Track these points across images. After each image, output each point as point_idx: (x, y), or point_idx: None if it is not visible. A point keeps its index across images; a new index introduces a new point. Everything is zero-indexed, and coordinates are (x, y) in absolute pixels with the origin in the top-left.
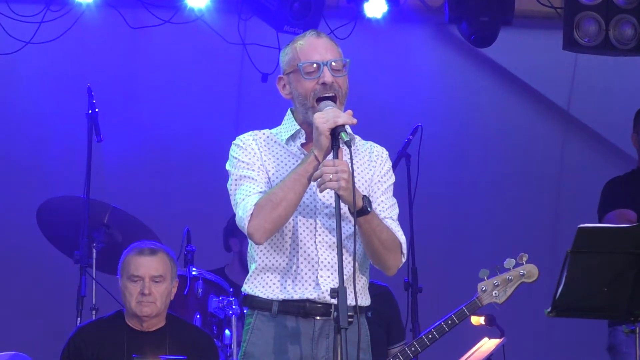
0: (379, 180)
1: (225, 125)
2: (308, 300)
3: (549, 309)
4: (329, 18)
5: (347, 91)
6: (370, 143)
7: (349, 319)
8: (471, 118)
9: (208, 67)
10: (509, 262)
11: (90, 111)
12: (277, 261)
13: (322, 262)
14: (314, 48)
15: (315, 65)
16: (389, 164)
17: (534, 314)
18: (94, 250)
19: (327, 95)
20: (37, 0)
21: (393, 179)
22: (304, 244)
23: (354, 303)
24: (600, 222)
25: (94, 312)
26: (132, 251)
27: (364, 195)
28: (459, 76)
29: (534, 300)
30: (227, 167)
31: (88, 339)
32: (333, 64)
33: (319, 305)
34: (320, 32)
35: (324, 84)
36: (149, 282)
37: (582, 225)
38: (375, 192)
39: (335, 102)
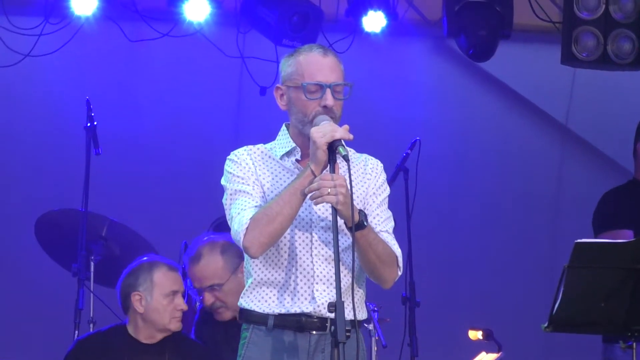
0: (374, 193)
1: (224, 138)
2: (304, 314)
3: (545, 324)
4: (328, 32)
5: (341, 114)
6: (364, 155)
7: (347, 333)
8: (469, 132)
9: (207, 80)
10: None
11: (88, 124)
12: (272, 275)
13: (317, 275)
14: (319, 68)
15: (318, 86)
16: (383, 176)
17: (531, 328)
18: (92, 263)
19: None
20: (36, 13)
21: (388, 191)
22: (300, 258)
23: (350, 317)
24: (595, 236)
25: (91, 325)
26: (161, 266)
27: (360, 210)
28: (458, 90)
29: (531, 314)
30: (222, 182)
31: (87, 352)
32: (336, 86)
33: (315, 320)
34: (328, 50)
35: (325, 106)
36: (181, 298)
37: (579, 241)
38: (370, 205)
39: None
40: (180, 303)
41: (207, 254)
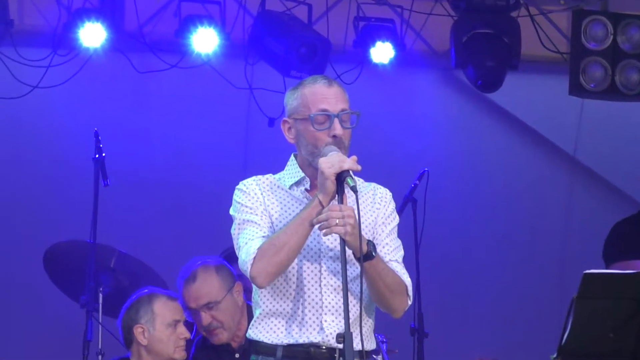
0: (383, 222)
1: (232, 169)
2: (312, 344)
3: (554, 355)
4: (336, 63)
5: (350, 143)
6: (373, 184)
7: None
8: (477, 163)
9: (215, 111)
10: None
11: (97, 155)
12: (281, 306)
13: (326, 306)
14: (325, 98)
15: (326, 116)
16: (392, 205)
17: (540, 359)
18: (100, 295)
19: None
20: (44, 45)
21: (397, 220)
22: (309, 288)
23: (359, 347)
24: (606, 266)
25: (100, 357)
26: (160, 297)
27: (369, 240)
28: (466, 121)
29: (540, 345)
30: (231, 211)
31: None
32: (343, 115)
33: (324, 350)
34: (332, 80)
35: (334, 136)
36: (183, 327)
37: (587, 272)
38: (379, 235)
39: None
40: (183, 332)
41: (202, 273)
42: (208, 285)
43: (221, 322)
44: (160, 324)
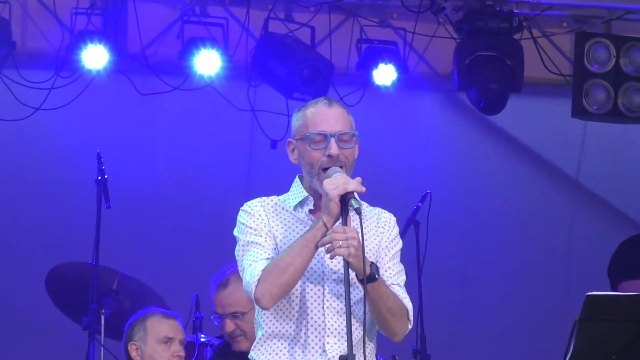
0: (386, 247)
1: (235, 191)
2: None
3: None
4: (339, 85)
5: (354, 162)
6: (377, 209)
7: None
8: (480, 185)
9: (218, 133)
10: None
11: (99, 177)
12: (283, 328)
13: (329, 328)
14: (324, 118)
15: (322, 135)
16: (396, 230)
17: None
18: (103, 317)
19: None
20: (47, 67)
21: (400, 245)
22: (311, 310)
23: None
24: (612, 286)
25: None
26: (155, 314)
27: (372, 262)
28: (468, 143)
29: None
30: (235, 233)
31: None
32: (341, 135)
33: None
34: (333, 101)
35: (329, 156)
36: (178, 345)
37: (590, 294)
38: (382, 259)
39: None
40: (178, 350)
41: (234, 281)
42: (237, 294)
43: (244, 332)
44: (151, 340)
